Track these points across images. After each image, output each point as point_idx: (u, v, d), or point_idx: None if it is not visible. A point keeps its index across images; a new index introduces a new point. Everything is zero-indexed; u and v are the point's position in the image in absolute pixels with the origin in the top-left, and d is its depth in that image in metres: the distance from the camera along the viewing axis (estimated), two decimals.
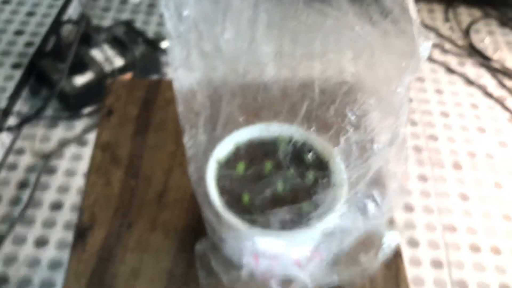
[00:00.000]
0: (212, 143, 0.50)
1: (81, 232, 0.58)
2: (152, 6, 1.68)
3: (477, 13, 1.77)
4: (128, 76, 1.34)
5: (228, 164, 0.51)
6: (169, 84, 0.77)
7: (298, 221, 0.43)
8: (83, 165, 1.19)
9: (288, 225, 0.43)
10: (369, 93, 0.37)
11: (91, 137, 1.25)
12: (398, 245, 0.55)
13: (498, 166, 1.29)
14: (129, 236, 0.58)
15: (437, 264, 1.08)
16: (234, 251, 0.49)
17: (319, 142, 0.52)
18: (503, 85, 1.50)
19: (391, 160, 0.43)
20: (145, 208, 0.61)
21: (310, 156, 0.52)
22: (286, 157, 0.52)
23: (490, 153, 1.32)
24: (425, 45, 0.36)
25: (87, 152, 1.22)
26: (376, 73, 0.38)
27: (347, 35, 0.39)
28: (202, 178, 0.47)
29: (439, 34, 1.67)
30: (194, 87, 0.44)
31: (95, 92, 1.31)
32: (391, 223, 0.53)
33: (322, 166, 0.51)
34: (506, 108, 1.43)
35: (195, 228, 0.59)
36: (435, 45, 1.63)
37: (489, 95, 1.47)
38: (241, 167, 0.51)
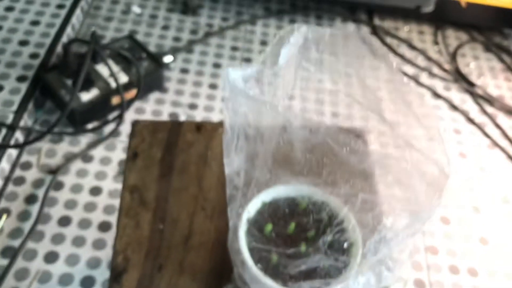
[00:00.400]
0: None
1: (116, 275, 0.65)
2: (153, 17, 1.72)
3: (464, 36, 1.86)
4: (133, 93, 1.38)
5: (257, 223, 0.58)
6: (189, 125, 0.84)
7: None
8: (89, 181, 1.24)
9: None
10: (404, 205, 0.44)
11: (96, 152, 1.30)
12: None
13: (477, 191, 1.39)
14: (160, 278, 0.65)
15: (419, 284, 1.18)
16: None
17: (336, 203, 0.59)
18: (484, 111, 1.60)
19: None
20: (173, 250, 0.68)
21: (327, 216, 0.59)
22: (307, 219, 0.59)
23: (470, 178, 1.42)
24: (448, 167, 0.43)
25: (92, 168, 1.27)
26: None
27: None
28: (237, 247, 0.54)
29: (428, 57, 1.76)
30: (239, 167, 0.50)
31: (100, 108, 1.36)
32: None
33: (337, 225, 0.59)
34: (486, 134, 1.53)
35: (220, 271, 0.66)
36: (423, 69, 1.72)
37: (471, 120, 1.57)
38: (269, 227, 0.58)
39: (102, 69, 1.39)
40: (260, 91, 0.44)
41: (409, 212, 0.42)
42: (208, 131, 0.83)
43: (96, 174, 1.26)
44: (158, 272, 0.65)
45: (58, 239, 1.13)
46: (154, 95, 1.47)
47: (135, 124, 0.82)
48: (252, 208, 0.59)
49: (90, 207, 1.19)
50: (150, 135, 0.81)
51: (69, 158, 1.28)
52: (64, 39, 1.53)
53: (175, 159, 0.78)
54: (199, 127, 0.83)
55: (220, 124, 0.84)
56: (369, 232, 0.46)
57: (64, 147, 1.30)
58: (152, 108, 1.44)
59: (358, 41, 0.46)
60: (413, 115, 0.43)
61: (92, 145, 1.31)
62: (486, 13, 1.76)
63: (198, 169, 0.77)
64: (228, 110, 0.45)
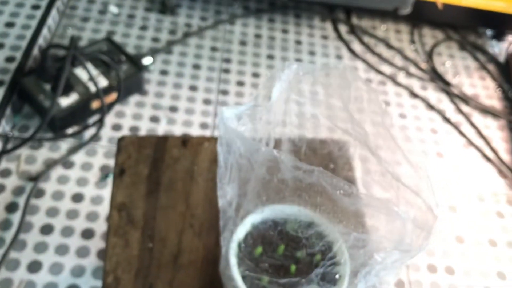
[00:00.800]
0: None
1: None
2: (131, 17, 1.71)
3: (440, 35, 1.90)
4: (113, 97, 1.37)
5: (246, 247, 0.60)
6: (175, 140, 0.84)
7: None
8: (70, 187, 1.23)
9: None
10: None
11: (77, 158, 1.29)
12: None
13: (453, 190, 1.43)
14: None
15: (399, 284, 1.22)
16: None
17: (323, 222, 0.61)
18: (460, 111, 1.64)
19: None
20: (163, 269, 0.68)
21: (314, 236, 0.61)
22: (296, 237, 0.61)
23: (447, 178, 1.46)
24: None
25: (73, 174, 1.26)
26: None
27: None
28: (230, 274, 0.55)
29: (405, 57, 1.79)
30: (232, 198, 0.51)
31: (80, 113, 1.35)
32: None
33: (326, 245, 0.61)
34: (462, 133, 1.57)
35: None
36: (400, 68, 1.75)
37: (447, 120, 1.61)
38: (258, 250, 0.59)
39: (81, 73, 1.37)
40: (253, 127, 0.45)
41: (398, 251, 0.43)
42: (194, 146, 0.83)
43: (77, 180, 1.25)
44: None
45: (41, 248, 1.12)
46: (134, 98, 1.46)
47: (121, 140, 0.82)
48: (241, 231, 0.61)
49: (72, 214, 1.19)
50: (136, 151, 0.81)
51: (50, 165, 1.26)
52: (41, 40, 1.51)
53: (161, 175, 0.78)
54: (185, 142, 0.83)
55: (206, 138, 0.85)
56: (360, 266, 0.47)
57: (44, 153, 1.29)
58: (132, 112, 1.43)
59: (346, 76, 0.47)
60: (401, 152, 0.45)
61: (73, 150, 1.30)
62: (461, 13, 1.80)
63: (184, 185, 0.78)
64: (222, 146, 0.46)
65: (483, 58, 1.85)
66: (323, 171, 0.39)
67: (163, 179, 0.78)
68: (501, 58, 1.87)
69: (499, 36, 1.93)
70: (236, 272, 0.55)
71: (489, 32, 1.96)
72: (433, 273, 1.25)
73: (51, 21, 1.58)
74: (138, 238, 0.71)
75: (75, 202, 1.21)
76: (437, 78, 1.74)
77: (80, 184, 1.24)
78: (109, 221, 0.73)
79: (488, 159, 1.52)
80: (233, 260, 0.57)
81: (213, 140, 0.84)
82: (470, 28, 1.93)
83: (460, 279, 1.24)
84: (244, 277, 0.56)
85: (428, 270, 1.25)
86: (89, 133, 1.35)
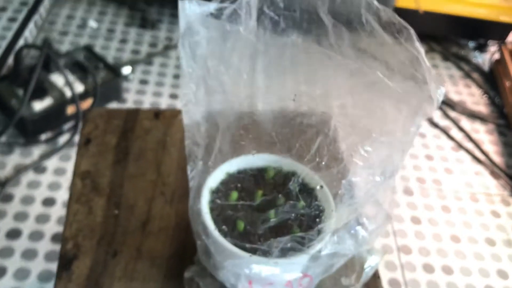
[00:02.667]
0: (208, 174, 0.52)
1: (65, 262, 0.58)
2: (111, 31, 1.68)
3: (422, 47, 1.89)
4: (88, 102, 1.32)
5: (221, 192, 0.53)
6: (147, 112, 0.79)
7: (296, 248, 0.45)
8: (42, 193, 1.16)
9: (287, 252, 0.46)
10: (381, 132, 0.41)
11: (50, 163, 1.23)
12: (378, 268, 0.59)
13: (445, 191, 1.38)
14: (115, 264, 0.58)
15: (394, 283, 1.14)
16: (229, 278, 0.50)
17: (306, 171, 0.55)
18: (447, 116, 1.61)
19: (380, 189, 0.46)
20: (130, 236, 0.61)
21: (297, 184, 0.55)
22: (275, 186, 0.55)
23: (437, 179, 1.40)
24: (440, 91, 0.40)
25: (45, 179, 1.19)
26: (385, 114, 0.41)
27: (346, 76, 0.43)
28: (198, 208, 0.49)
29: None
30: (200, 121, 0.46)
31: (54, 118, 1.29)
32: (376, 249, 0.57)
33: (310, 194, 0.54)
34: (450, 137, 1.54)
35: (181, 256, 0.60)
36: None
37: (435, 125, 1.57)
38: (234, 196, 0.53)
39: (57, 78, 1.32)
40: (220, 26, 0.40)
41: (384, 137, 0.38)
42: (167, 118, 0.78)
43: (49, 185, 1.18)
44: (113, 258, 0.59)
45: (6, 253, 1.03)
46: (111, 106, 1.41)
47: (88, 111, 0.77)
48: (214, 179, 0.54)
49: (42, 218, 1.11)
50: (105, 122, 0.75)
51: (20, 170, 1.19)
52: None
53: (131, 145, 0.72)
54: (157, 114, 0.78)
55: (180, 111, 0.80)
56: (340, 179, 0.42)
57: (15, 158, 1.22)
58: None
59: None
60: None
61: (45, 156, 1.23)
62: (443, 23, 1.80)
63: (156, 155, 0.72)
64: (185, 49, 0.41)
65: (467, 67, 1.85)
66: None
67: (132, 149, 0.72)
68: (485, 67, 1.86)
69: (481, 47, 1.94)
70: (205, 207, 0.48)
71: (471, 43, 1.96)
72: (430, 273, 1.17)
73: (28, 33, 1.55)
74: (102, 205, 0.64)
75: (46, 206, 1.13)
76: None
77: (52, 189, 1.17)
78: (71, 189, 0.66)
79: (479, 161, 1.48)
80: (205, 208, 0.51)
81: None
82: (452, 39, 1.93)
83: (458, 278, 1.17)
84: (216, 219, 0.49)
85: (424, 270, 1.17)
86: (63, 139, 1.29)
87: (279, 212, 0.50)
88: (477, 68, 1.85)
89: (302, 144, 0.53)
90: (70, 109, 1.31)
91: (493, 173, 1.44)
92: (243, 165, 0.57)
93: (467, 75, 1.81)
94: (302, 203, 0.53)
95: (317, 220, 0.51)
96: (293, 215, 0.48)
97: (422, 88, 0.40)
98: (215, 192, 0.53)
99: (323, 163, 0.51)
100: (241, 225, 0.50)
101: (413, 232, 1.25)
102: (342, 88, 0.52)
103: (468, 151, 1.51)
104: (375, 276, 0.60)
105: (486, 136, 1.57)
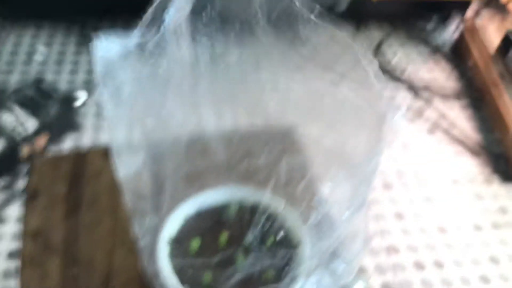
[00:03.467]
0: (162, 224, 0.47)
1: None
2: (62, 53, 1.59)
3: (386, 29, 1.83)
4: (44, 138, 1.25)
5: (179, 242, 0.48)
6: (96, 153, 0.73)
7: None
8: (5, 246, 1.08)
9: None
10: (341, 163, 0.36)
11: (8, 213, 1.15)
12: None
13: (425, 179, 1.34)
14: None
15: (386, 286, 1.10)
16: None
17: (272, 201, 0.50)
18: (419, 96, 1.57)
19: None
20: None
21: (264, 218, 0.50)
22: (241, 223, 0.49)
23: (416, 169, 1.37)
24: (398, 115, 0.36)
25: (8, 230, 1.11)
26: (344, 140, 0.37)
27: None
28: (154, 268, 0.43)
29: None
30: (139, 170, 0.40)
31: (7, 163, 1.21)
32: (360, 269, 0.52)
33: (279, 228, 0.49)
34: (425, 119, 1.49)
35: None
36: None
37: (407, 108, 1.53)
38: (195, 244, 0.48)
39: (7, 118, 1.24)
40: (144, 63, 0.35)
41: (347, 169, 0.33)
42: None
43: (13, 236, 1.10)
44: None
45: None
46: (69, 136, 1.33)
47: (32, 161, 0.70)
48: (171, 228, 0.49)
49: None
50: (52, 169, 0.69)
51: None
52: None
53: (83, 192, 0.66)
54: (107, 152, 0.72)
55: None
56: (306, 209, 0.37)
57: None
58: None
59: None
60: None
61: (1, 205, 1.15)
62: (398, 7, 1.78)
63: (111, 199, 0.66)
64: (107, 94, 0.36)
65: (433, 44, 1.80)
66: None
67: (84, 195, 0.66)
68: (449, 43, 1.82)
69: (442, 24, 1.91)
70: (165, 265, 0.43)
71: (431, 24, 1.93)
72: (421, 270, 1.14)
73: None
74: (58, 265, 0.58)
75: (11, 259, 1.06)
76: (388, 72, 1.68)
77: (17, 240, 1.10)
78: (22, 252, 0.60)
79: (457, 140, 1.45)
80: (162, 256, 0.45)
81: None
82: (413, 21, 1.89)
83: (451, 272, 1.14)
84: (178, 273, 0.44)
85: (415, 268, 1.14)
86: (22, 183, 1.21)
87: (246, 265, 0.44)
88: (442, 46, 1.82)
89: (260, 166, 0.48)
90: (26, 149, 1.23)
91: (472, 151, 1.42)
92: (202, 205, 0.51)
93: (433, 53, 1.77)
94: (271, 239, 0.48)
95: (289, 258, 0.46)
96: (260, 266, 0.43)
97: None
98: (174, 242, 0.48)
99: (285, 182, 0.47)
100: (207, 277, 0.45)
101: (399, 230, 1.21)
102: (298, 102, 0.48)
103: (445, 130, 1.47)
104: None
105: (461, 113, 1.54)
